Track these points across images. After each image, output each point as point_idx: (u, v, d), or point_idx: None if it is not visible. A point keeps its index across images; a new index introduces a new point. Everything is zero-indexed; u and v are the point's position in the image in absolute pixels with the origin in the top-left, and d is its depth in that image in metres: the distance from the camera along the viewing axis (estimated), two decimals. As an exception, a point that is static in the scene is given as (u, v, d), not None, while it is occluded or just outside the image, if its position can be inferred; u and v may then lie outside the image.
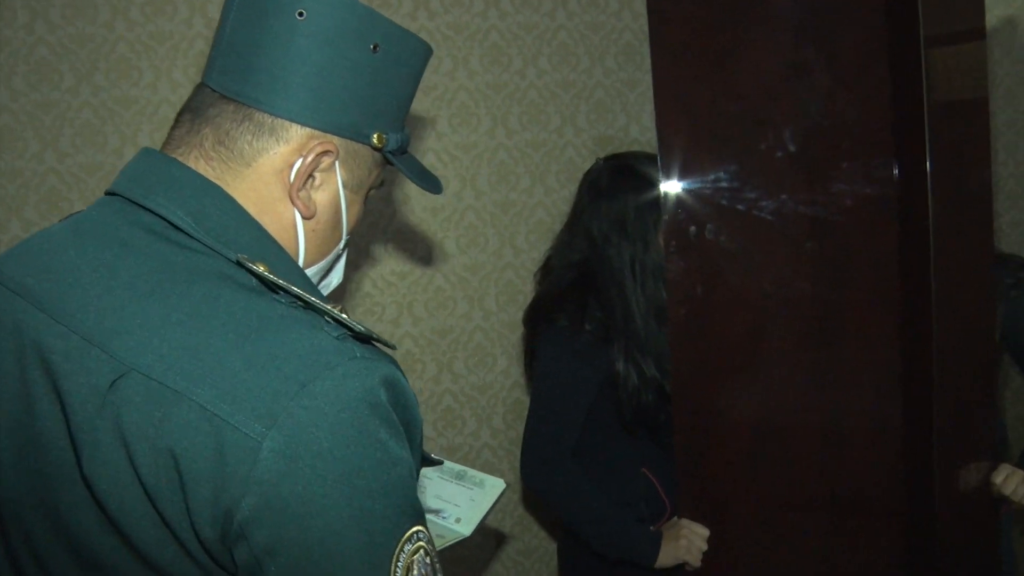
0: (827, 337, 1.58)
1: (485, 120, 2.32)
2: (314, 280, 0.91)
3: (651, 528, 1.68)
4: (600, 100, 2.35)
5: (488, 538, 2.40)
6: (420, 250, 2.31)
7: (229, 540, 0.69)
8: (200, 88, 0.86)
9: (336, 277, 1.01)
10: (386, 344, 0.78)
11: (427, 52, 0.93)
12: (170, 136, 0.85)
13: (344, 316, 0.75)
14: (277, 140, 0.82)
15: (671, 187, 1.56)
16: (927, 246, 1.42)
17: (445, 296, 2.34)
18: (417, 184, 0.96)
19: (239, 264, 0.76)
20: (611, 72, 2.35)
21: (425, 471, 1.36)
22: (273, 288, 0.76)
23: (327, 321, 0.74)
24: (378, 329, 2.29)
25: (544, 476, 1.65)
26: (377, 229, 2.28)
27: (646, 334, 1.67)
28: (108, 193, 0.84)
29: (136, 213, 0.79)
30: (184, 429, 0.68)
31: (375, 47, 0.84)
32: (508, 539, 2.42)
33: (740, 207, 1.56)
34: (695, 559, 1.58)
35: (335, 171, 0.86)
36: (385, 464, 0.71)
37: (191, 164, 0.82)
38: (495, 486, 1.29)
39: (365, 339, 0.77)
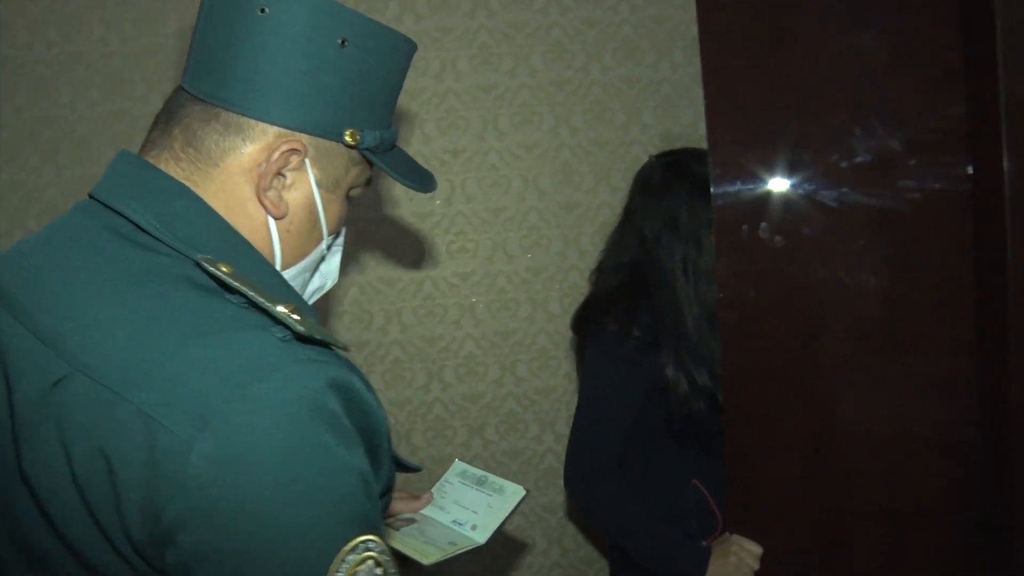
0: (891, 342, 1.45)
1: (548, 118, 2.27)
2: (296, 280, 0.90)
3: (702, 544, 1.59)
4: (667, 96, 2.26)
5: (536, 554, 2.35)
6: (482, 252, 2.29)
7: (160, 544, 0.67)
8: (176, 91, 0.86)
9: (330, 278, 0.99)
10: (336, 346, 0.75)
11: (406, 46, 0.90)
12: (146, 139, 0.86)
13: (293, 317, 0.72)
14: (244, 139, 0.81)
15: (721, 182, 1.47)
16: (1003, 246, 1.29)
17: (507, 298, 2.31)
18: (402, 183, 0.92)
19: (198, 265, 0.75)
20: (678, 67, 2.26)
21: (447, 476, 1.33)
22: (228, 289, 0.74)
23: (276, 323, 0.72)
24: (438, 332, 2.28)
25: (588, 487, 1.59)
26: (439, 230, 2.27)
27: (698, 339, 1.58)
28: (89, 196, 0.85)
29: (107, 216, 0.80)
30: (119, 431, 0.68)
31: (343, 42, 0.82)
32: (558, 554, 2.36)
33: (795, 203, 1.46)
34: (745, 579, 1.49)
35: (306, 170, 0.85)
36: (327, 471, 0.69)
37: (162, 166, 0.82)
38: (514, 493, 1.25)
39: (321, 342, 0.74)
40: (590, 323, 1.65)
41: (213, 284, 0.76)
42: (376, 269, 2.26)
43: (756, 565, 1.49)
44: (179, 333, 0.70)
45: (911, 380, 1.46)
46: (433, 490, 1.31)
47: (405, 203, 2.26)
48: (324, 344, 0.74)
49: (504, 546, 2.34)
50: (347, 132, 0.85)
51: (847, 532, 1.50)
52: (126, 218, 0.78)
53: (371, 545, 0.71)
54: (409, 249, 2.27)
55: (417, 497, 1.29)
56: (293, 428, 0.67)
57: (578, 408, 1.64)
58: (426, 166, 2.22)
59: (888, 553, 1.48)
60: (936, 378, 1.46)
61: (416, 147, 2.25)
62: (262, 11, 0.80)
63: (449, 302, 2.29)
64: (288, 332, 0.72)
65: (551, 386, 2.33)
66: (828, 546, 1.51)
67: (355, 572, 0.69)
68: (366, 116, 0.86)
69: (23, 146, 2.17)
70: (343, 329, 2.26)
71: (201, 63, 0.83)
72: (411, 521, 1.24)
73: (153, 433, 0.66)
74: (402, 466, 0.98)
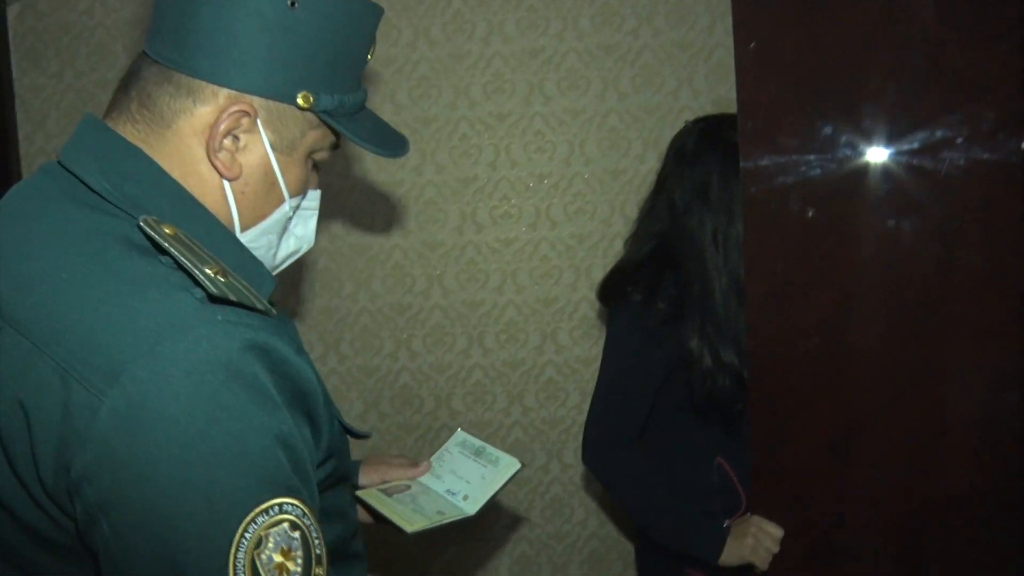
0: (930, 324, 1.37)
1: (595, 83, 2.22)
2: (258, 242, 0.90)
3: (725, 523, 1.55)
4: (720, 60, 2.17)
5: (562, 541, 2.34)
6: (526, 217, 2.27)
7: (71, 496, 0.70)
8: (139, 55, 0.87)
9: (305, 242, 0.99)
10: (255, 310, 0.75)
11: (366, 9, 0.88)
12: (110, 102, 0.87)
13: (218, 279, 0.72)
14: (195, 101, 0.82)
15: (751, 150, 1.40)
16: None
17: (551, 265, 2.28)
18: (365, 148, 0.91)
19: (139, 226, 0.76)
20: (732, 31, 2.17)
21: (448, 445, 1.33)
22: (161, 250, 0.75)
23: (199, 283, 0.73)
24: (479, 297, 2.28)
25: (604, 459, 1.56)
26: (482, 195, 2.26)
27: (725, 312, 1.53)
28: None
29: (63, 177, 0.82)
30: (37, 384, 0.70)
31: (292, 3, 0.81)
32: (582, 539, 2.35)
33: (830, 173, 1.38)
34: (762, 562, 1.44)
35: (259, 132, 0.85)
36: (236, 432, 0.69)
37: (119, 128, 0.84)
38: (509, 465, 1.24)
39: (238, 303, 0.74)
40: (615, 292, 1.61)
41: (149, 245, 0.77)
42: (418, 233, 2.27)
43: (775, 548, 1.44)
44: (101, 291, 0.72)
45: (950, 366, 1.38)
46: (432, 459, 1.31)
47: (450, 168, 2.25)
48: (241, 305, 0.74)
49: (543, 514, 2.34)
50: (300, 95, 0.84)
51: (873, 521, 1.43)
52: (79, 179, 0.80)
53: (287, 508, 0.71)
54: (452, 214, 2.26)
55: (416, 464, 1.30)
56: (201, 387, 0.68)
57: (599, 379, 1.61)
58: (471, 131, 2.23)
59: (917, 545, 1.41)
60: (977, 365, 1.37)
61: (461, 112, 2.23)
62: None
63: (491, 268, 2.28)
64: (218, 292, 0.72)
65: (593, 355, 2.30)
66: (853, 534, 1.45)
67: (267, 534, 0.69)
68: (322, 79, 0.86)
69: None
70: (385, 292, 2.28)
71: (158, 26, 0.84)
72: (407, 488, 1.25)
73: (68, 388, 0.69)
74: (351, 432, 0.98)
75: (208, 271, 0.72)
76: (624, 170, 2.25)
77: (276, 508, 0.71)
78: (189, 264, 0.72)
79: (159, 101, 0.83)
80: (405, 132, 2.19)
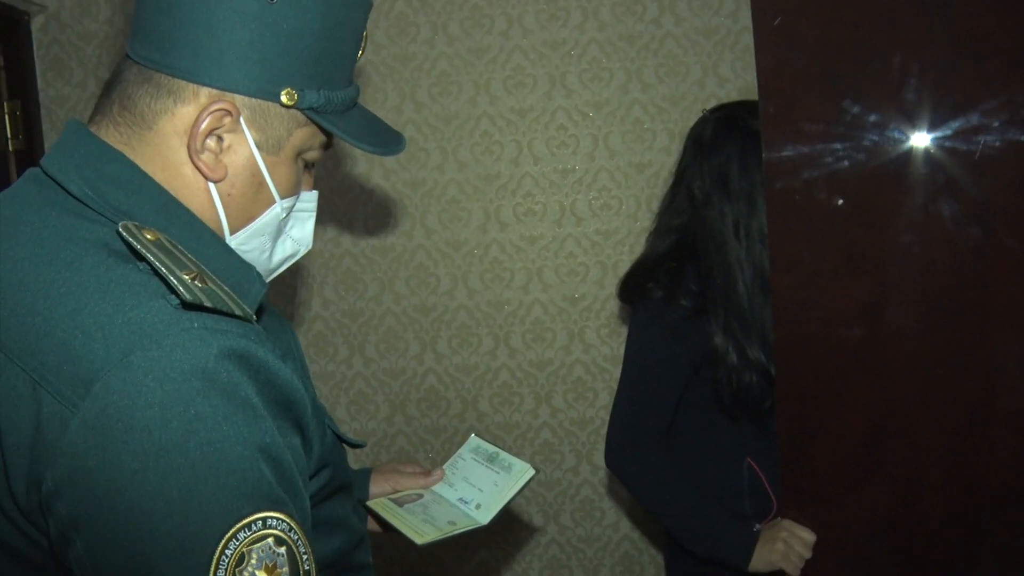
0: (968, 312, 1.28)
1: (618, 75, 2.16)
2: (249, 245, 0.87)
3: (756, 527, 1.48)
4: (747, 47, 2.10)
5: (592, 544, 2.28)
6: (551, 214, 2.22)
7: (43, 513, 0.67)
8: (123, 57, 0.85)
9: (303, 245, 0.95)
10: (234, 315, 0.71)
11: (353, 1, 0.84)
12: (95, 106, 0.85)
13: (195, 284, 0.69)
14: (175, 101, 0.79)
15: (773, 135, 1.34)
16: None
17: (577, 262, 2.23)
18: (356, 145, 0.87)
19: (117, 232, 0.73)
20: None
21: (461, 452, 1.29)
22: (139, 256, 0.72)
23: (173, 289, 0.69)
24: (506, 297, 2.24)
25: (628, 461, 1.51)
26: (506, 192, 2.22)
27: (749, 306, 1.47)
28: None
29: (45, 183, 0.80)
30: (8, 395, 0.67)
31: None
32: (614, 541, 2.29)
33: (857, 157, 1.31)
34: (794, 568, 1.37)
35: (243, 132, 0.81)
36: (217, 443, 0.66)
37: (102, 132, 0.82)
38: (522, 471, 1.19)
39: (213, 310, 0.70)
40: (636, 289, 1.56)
41: (128, 251, 0.74)
42: (441, 233, 2.23)
43: (807, 553, 1.37)
44: (75, 299, 0.69)
45: (990, 355, 1.29)
46: (445, 466, 1.27)
47: (472, 166, 2.21)
48: (218, 311, 0.70)
49: (573, 517, 2.29)
50: (283, 91, 0.81)
51: (911, 524, 1.36)
52: (61, 185, 0.78)
53: (272, 522, 0.67)
54: (476, 213, 2.22)
55: (428, 472, 1.26)
56: (176, 397, 0.65)
57: (621, 378, 1.56)
58: (492, 127, 2.19)
59: (959, 549, 1.33)
60: (1020, 354, 1.29)
61: (482, 107, 2.19)
62: None
63: (516, 266, 2.24)
64: (195, 299, 0.69)
65: (622, 353, 2.23)
66: (890, 538, 1.37)
67: (249, 550, 0.65)
68: (307, 75, 0.82)
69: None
70: (409, 293, 2.25)
71: (138, 27, 0.82)
72: (419, 497, 1.20)
73: (39, 399, 0.66)
74: (345, 441, 0.94)
75: (184, 276, 0.69)
76: (650, 163, 2.18)
77: (259, 523, 0.67)
78: (164, 270, 0.69)
79: (139, 102, 0.80)
80: (425, 130, 2.16)
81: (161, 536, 0.64)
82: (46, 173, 0.80)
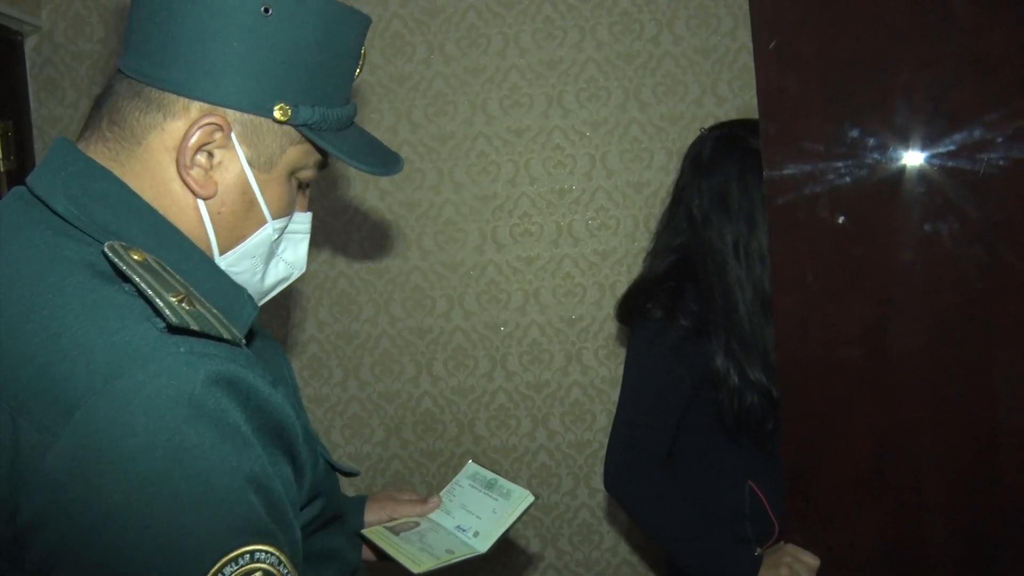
0: (973, 332, 1.26)
1: (616, 94, 2.15)
2: (240, 266, 0.84)
3: (757, 551, 1.45)
4: (746, 65, 2.09)
5: (591, 569, 2.24)
6: (548, 234, 2.20)
7: (20, 546, 0.63)
8: (115, 71, 0.83)
9: (296, 268, 0.92)
10: (222, 339, 0.68)
11: (352, 17, 0.82)
12: (85, 121, 0.83)
13: (182, 307, 0.66)
14: (165, 115, 0.77)
15: (774, 154, 1.32)
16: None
17: (574, 283, 2.21)
18: (350, 164, 0.84)
19: (103, 252, 0.71)
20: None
21: (458, 478, 1.25)
22: (124, 277, 0.69)
23: (158, 312, 0.66)
24: (502, 318, 2.21)
25: (627, 484, 1.47)
26: (502, 213, 2.19)
27: (750, 327, 1.44)
28: None
29: (31, 201, 0.77)
30: None
31: (266, 10, 0.76)
32: (612, 566, 2.24)
33: (860, 174, 1.29)
34: (799, 593, 1.34)
35: (234, 148, 0.79)
36: (203, 472, 0.63)
37: (91, 147, 0.79)
38: (521, 498, 1.16)
39: (200, 333, 0.68)
40: (634, 310, 1.53)
41: (113, 272, 0.71)
42: (437, 254, 2.21)
43: (811, 579, 1.34)
44: (58, 322, 0.66)
45: (997, 375, 1.27)
46: (442, 493, 1.24)
47: (468, 186, 2.19)
48: (206, 335, 0.67)
49: (571, 541, 2.25)
50: (277, 107, 0.78)
51: (918, 548, 1.32)
52: (46, 204, 0.75)
53: (260, 556, 0.64)
54: (471, 233, 2.20)
55: (425, 500, 1.22)
56: (161, 424, 0.62)
57: (620, 400, 1.53)
58: (489, 147, 2.17)
59: (964, 571, 1.30)
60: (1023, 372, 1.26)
61: (479, 128, 2.18)
62: None
63: (513, 287, 2.21)
64: (182, 322, 0.66)
65: (620, 376, 2.20)
66: (896, 563, 1.34)
67: None
68: (301, 90, 0.80)
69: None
70: (404, 315, 2.22)
71: (130, 39, 0.80)
72: (415, 525, 1.17)
73: (17, 428, 0.63)
74: (339, 470, 0.91)
75: (171, 299, 0.66)
76: (648, 182, 2.17)
77: (247, 556, 0.64)
78: (150, 292, 0.66)
79: (129, 117, 0.78)
80: (421, 150, 2.14)
81: (145, 570, 0.61)
82: (32, 191, 0.78)
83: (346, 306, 2.23)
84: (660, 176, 2.16)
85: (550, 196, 2.19)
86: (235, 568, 0.62)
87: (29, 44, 2.24)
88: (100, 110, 0.81)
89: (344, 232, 2.23)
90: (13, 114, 2.23)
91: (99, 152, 0.79)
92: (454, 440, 2.24)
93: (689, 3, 2.11)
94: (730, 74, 2.11)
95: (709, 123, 2.10)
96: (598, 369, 2.22)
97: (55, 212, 0.75)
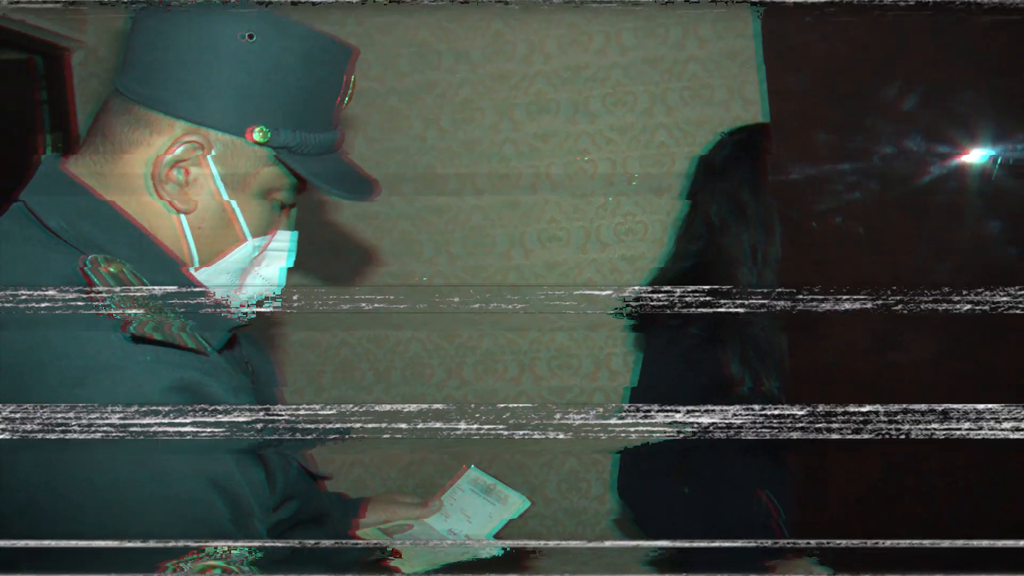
0: (985, 343, 1.22)
1: (642, 98, 2.14)
2: (218, 280, 0.87)
3: (767, 564, 1.43)
4: (773, 67, 2.06)
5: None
6: (574, 240, 2.20)
7: None
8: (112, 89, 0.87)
9: (272, 284, 0.94)
10: (190, 349, 0.72)
11: (329, 45, 0.84)
12: (84, 137, 0.87)
13: (144, 317, 0.70)
14: (150, 132, 0.81)
15: (785, 160, 1.30)
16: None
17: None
18: (323, 190, 0.86)
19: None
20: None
21: (459, 482, 1.27)
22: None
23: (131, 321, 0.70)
24: (527, 324, 2.21)
25: (638, 492, 1.47)
26: (529, 219, 2.20)
27: (766, 335, 1.42)
28: None
29: (27, 217, 0.81)
30: None
31: (250, 36, 0.79)
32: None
33: (872, 183, 1.26)
34: (809, 608, 1.32)
35: (210, 166, 0.82)
36: (163, 475, 0.67)
37: (82, 160, 0.83)
38: (517, 504, 1.17)
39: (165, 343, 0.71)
40: (647, 316, 1.52)
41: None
42: (465, 259, 2.23)
43: (823, 593, 1.31)
44: (36, 334, 0.70)
45: (1010, 386, 1.23)
46: (443, 497, 1.25)
47: (489, 193, 2.20)
48: (172, 344, 0.70)
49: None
50: (256, 129, 0.81)
51: (933, 564, 1.29)
52: (38, 219, 0.80)
53: (220, 553, 0.67)
54: (499, 238, 2.21)
55: (424, 504, 1.24)
56: (123, 430, 0.65)
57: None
58: (514, 153, 2.18)
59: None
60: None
61: (505, 134, 2.19)
62: (166, 5, 0.80)
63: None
64: (145, 331, 0.70)
65: (648, 382, 2.20)
66: (904, 570, 1.30)
67: None
68: (280, 115, 0.82)
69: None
70: (432, 320, 2.24)
71: (124, 59, 0.84)
72: (409, 527, 1.19)
73: None
74: (309, 473, 0.93)
75: (137, 310, 0.71)
76: (674, 187, 2.15)
77: (204, 554, 0.67)
78: (113, 305, 0.70)
79: (118, 132, 0.82)
80: (446, 156, 2.16)
81: (106, 567, 0.64)
82: (27, 207, 0.82)
83: (373, 312, 2.27)
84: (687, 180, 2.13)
85: (575, 201, 2.19)
86: (191, 564, 0.66)
87: (75, 59, 2.33)
88: (95, 125, 0.85)
89: (375, 237, 2.26)
90: (62, 127, 2.32)
91: (88, 165, 0.83)
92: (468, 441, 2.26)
93: (714, 6, 2.08)
94: (756, 77, 2.08)
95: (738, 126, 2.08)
96: (625, 375, 2.21)
97: (47, 227, 0.79)
